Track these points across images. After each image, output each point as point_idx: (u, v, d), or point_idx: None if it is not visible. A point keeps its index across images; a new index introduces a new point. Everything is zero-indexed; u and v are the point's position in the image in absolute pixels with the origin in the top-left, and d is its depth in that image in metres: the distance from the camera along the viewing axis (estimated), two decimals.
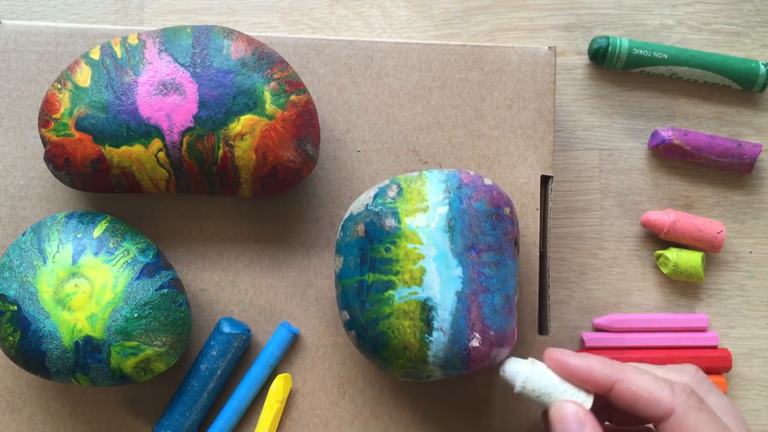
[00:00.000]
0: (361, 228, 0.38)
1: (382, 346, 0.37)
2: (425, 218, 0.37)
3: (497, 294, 0.37)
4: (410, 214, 0.37)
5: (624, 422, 0.38)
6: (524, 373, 0.36)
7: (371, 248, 0.37)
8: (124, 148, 0.38)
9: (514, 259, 0.38)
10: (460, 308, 0.36)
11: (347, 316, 0.38)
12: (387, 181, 0.39)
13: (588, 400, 0.35)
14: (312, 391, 0.43)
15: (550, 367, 0.36)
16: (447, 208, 0.37)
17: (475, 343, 0.36)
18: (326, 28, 0.50)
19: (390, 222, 0.37)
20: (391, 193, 0.38)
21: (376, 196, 0.38)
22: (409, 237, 0.37)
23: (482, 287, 0.37)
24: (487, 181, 0.39)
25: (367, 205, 0.38)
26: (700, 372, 0.35)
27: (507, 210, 0.38)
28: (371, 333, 0.37)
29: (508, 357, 0.37)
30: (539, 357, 0.43)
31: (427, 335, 0.36)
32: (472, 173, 0.39)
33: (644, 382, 0.33)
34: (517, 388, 0.36)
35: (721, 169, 0.50)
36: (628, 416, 0.37)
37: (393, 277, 0.36)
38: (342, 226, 0.39)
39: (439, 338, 0.36)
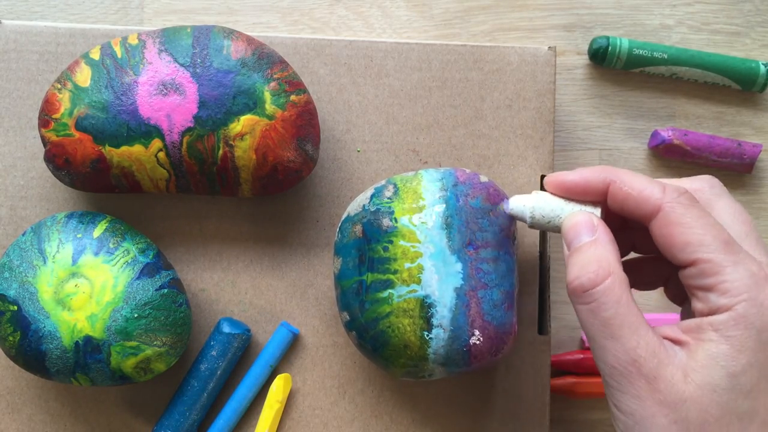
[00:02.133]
0: (358, 228, 0.38)
1: (382, 346, 0.37)
2: (422, 217, 0.37)
3: (496, 289, 0.37)
4: (407, 213, 0.37)
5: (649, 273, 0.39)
6: (530, 203, 0.37)
7: (369, 248, 0.37)
8: (124, 148, 0.38)
9: (513, 255, 0.38)
10: (459, 305, 0.36)
11: (347, 317, 0.38)
12: (383, 182, 0.39)
13: (596, 211, 0.35)
14: (312, 391, 0.43)
15: (552, 192, 0.36)
16: (444, 205, 0.37)
17: (475, 339, 0.36)
18: (326, 28, 0.50)
19: (387, 221, 0.37)
20: (388, 193, 0.38)
21: (372, 196, 0.38)
22: (406, 236, 0.37)
23: (481, 283, 0.37)
24: (483, 179, 0.39)
25: (363, 205, 0.38)
26: (716, 180, 0.35)
27: (504, 206, 0.38)
28: (371, 333, 0.37)
29: (510, 198, 0.38)
30: (539, 356, 0.43)
31: (426, 333, 0.36)
32: (468, 171, 0.39)
33: (636, 183, 0.33)
34: (528, 219, 0.37)
35: (721, 169, 0.50)
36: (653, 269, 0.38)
37: (391, 276, 0.36)
38: (339, 227, 0.39)
39: (439, 335, 0.36)
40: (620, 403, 0.30)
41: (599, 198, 0.35)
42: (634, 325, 0.30)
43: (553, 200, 0.36)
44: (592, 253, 0.32)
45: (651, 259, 0.38)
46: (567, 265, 0.33)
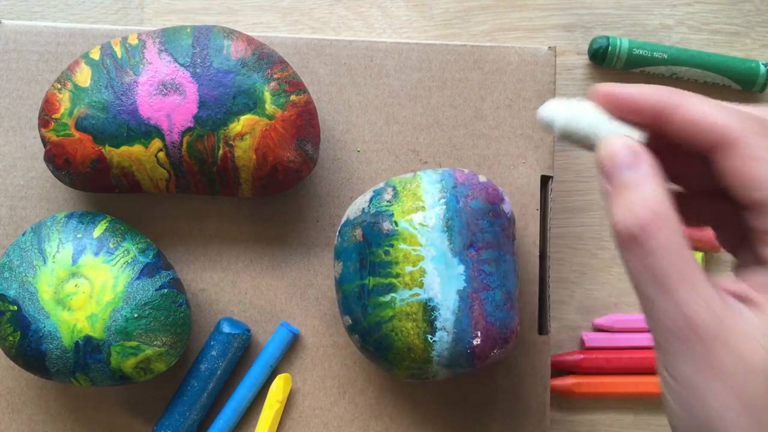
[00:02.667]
0: (358, 232, 0.38)
1: (386, 349, 0.37)
2: (422, 219, 0.37)
3: (498, 290, 0.37)
4: (407, 216, 0.37)
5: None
6: (566, 111, 0.31)
7: (370, 252, 0.37)
8: (124, 148, 0.38)
9: (513, 255, 0.38)
10: (462, 307, 0.36)
11: (350, 321, 0.38)
12: (382, 184, 0.39)
13: (641, 136, 0.30)
14: (312, 391, 0.43)
15: (598, 103, 0.30)
16: (444, 208, 0.37)
17: (478, 340, 0.36)
18: (326, 28, 0.50)
19: (387, 225, 0.37)
20: (387, 196, 0.38)
21: (371, 199, 0.38)
22: (407, 239, 0.37)
23: (483, 285, 0.37)
24: (482, 179, 0.39)
25: (363, 209, 0.38)
26: None
27: (503, 206, 0.38)
28: (375, 337, 0.37)
29: (546, 103, 0.32)
30: (539, 356, 0.43)
31: (430, 335, 0.36)
32: (466, 171, 0.39)
33: (708, 107, 0.28)
34: (558, 129, 0.31)
35: None
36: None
37: (393, 280, 0.36)
38: (339, 231, 0.39)
39: (442, 338, 0.36)
40: (673, 369, 0.26)
41: (651, 119, 0.29)
42: (689, 278, 0.26)
43: (594, 112, 0.30)
44: (640, 192, 0.27)
45: (698, 195, 0.33)
46: (608, 202, 0.28)
